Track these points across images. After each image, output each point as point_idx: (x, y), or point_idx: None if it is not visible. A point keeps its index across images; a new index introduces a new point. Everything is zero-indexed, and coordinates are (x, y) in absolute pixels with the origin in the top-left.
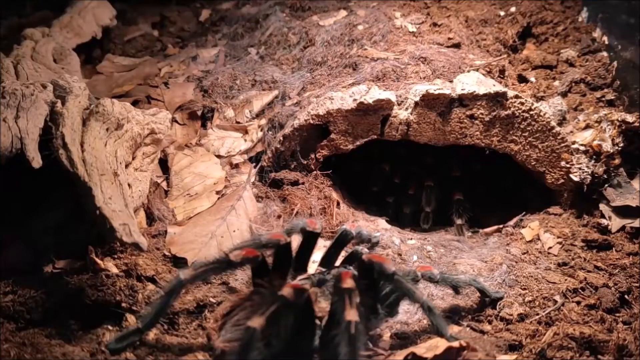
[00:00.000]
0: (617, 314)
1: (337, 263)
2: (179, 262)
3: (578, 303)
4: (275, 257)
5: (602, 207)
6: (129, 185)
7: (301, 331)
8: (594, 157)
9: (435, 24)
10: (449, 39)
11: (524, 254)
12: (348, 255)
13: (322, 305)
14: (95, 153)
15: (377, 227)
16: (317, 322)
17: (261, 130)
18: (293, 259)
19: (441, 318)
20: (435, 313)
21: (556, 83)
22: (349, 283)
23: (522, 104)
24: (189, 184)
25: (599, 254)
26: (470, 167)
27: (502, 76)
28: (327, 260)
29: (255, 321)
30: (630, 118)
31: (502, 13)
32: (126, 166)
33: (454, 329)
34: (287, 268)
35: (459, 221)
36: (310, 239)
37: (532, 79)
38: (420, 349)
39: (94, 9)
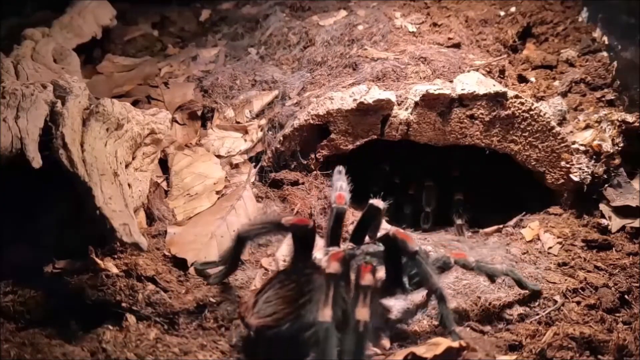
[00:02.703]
0: (617, 314)
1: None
2: (179, 262)
3: (578, 303)
4: (297, 240)
5: (602, 207)
6: (129, 185)
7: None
8: (594, 157)
9: (435, 24)
10: (449, 39)
11: (524, 254)
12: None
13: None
14: (95, 153)
15: None
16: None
17: (261, 130)
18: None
19: (450, 311)
20: (446, 304)
21: (556, 83)
22: (366, 280)
23: (522, 104)
24: (189, 184)
25: (599, 254)
26: (470, 167)
27: (502, 76)
28: (357, 236)
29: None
30: (630, 118)
31: (502, 13)
32: (126, 166)
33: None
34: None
35: (459, 221)
36: (339, 216)
37: (532, 79)
38: (420, 349)
39: (94, 9)
